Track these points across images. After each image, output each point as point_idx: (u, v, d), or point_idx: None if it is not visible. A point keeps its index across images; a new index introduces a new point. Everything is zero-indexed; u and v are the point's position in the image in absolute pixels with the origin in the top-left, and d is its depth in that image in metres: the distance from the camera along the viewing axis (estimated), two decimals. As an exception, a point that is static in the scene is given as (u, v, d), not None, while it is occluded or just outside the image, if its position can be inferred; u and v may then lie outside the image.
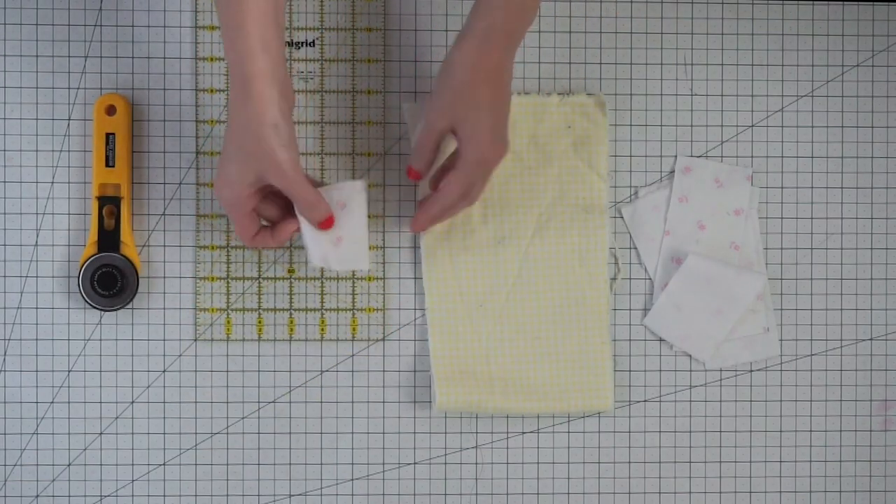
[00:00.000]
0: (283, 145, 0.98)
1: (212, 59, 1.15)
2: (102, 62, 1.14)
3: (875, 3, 1.18)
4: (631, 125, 1.17)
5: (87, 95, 1.14)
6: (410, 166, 1.07)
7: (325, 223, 1.04)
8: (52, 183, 1.14)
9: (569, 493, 1.17)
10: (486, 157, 1.04)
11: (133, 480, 1.15)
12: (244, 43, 0.96)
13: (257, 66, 0.96)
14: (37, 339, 1.14)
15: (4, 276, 1.14)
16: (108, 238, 1.12)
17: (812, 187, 1.18)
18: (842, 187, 1.18)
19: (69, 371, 1.14)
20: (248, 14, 0.96)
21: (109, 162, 1.12)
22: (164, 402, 1.15)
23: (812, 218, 1.18)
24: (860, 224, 1.18)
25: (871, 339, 1.18)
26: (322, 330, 1.16)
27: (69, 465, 1.14)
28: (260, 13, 0.96)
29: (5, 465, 1.14)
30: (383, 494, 1.16)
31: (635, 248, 1.17)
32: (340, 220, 1.05)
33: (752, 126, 1.18)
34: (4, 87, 1.14)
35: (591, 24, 1.17)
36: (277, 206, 1.06)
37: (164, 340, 1.15)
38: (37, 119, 1.14)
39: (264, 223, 1.07)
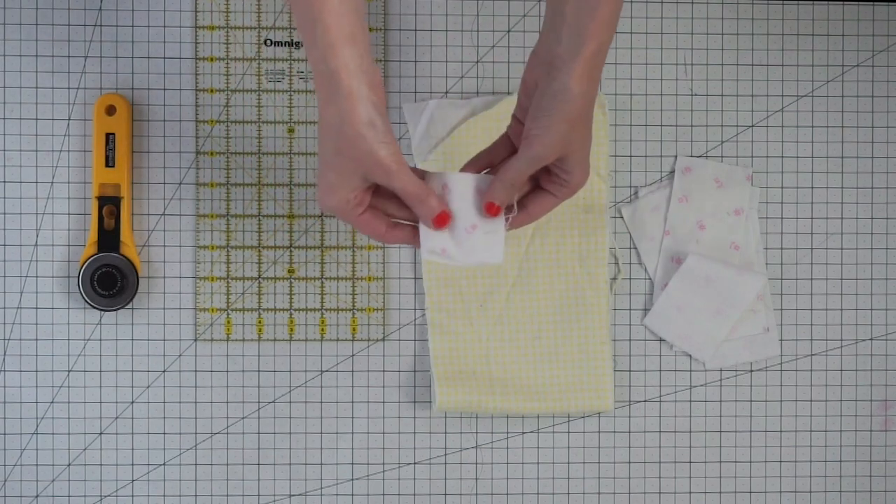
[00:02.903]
0: (381, 142, 0.90)
1: (212, 59, 1.15)
2: (102, 62, 1.14)
3: (875, 3, 1.18)
4: (631, 125, 1.17)
5: (87, 95, 1.14)
6: (493, 203, 0.96)
7: (438, 220, 0.95)
8: (52, 183, 1.14)
9: (569, 493, 1.17)
10: (581, 185, 0.98)
11: (133, 480, 1.15)
12: (324, 37, 0.89)
13: (341, 61, 0.89)
14: (37, 339, 1.14)
15: (4, 276, 1.14)
16: (108, 238, 1.12)
17: (812, 187, 1.18)
18: (842, 187, 1.18)
19: (69, 371, 1.14)
20: (325, 5, 0.89)
21: (109, 162, 1.12)
22: (164, 402, 1.15)
23: (812, 218, 1.18)
24: (860, 224, 1.18)
25: (871, 339, 1.18)
26: (322, 330, 1.16)
27: (69, 465, 1.14)
28: (338, 2, 0.89)
29: (5, 465, 1.14)
30: (383, 494, 1.16)
31: (635, 248, 1.17)
32: (476, 207, 0.96)
33: (752, 126, 1.18)
34: (4, 87, 1.14)
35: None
36: (397, 202, 0.97)
37: (164, 340, 1.15)
38: (37, 119, 1.14)
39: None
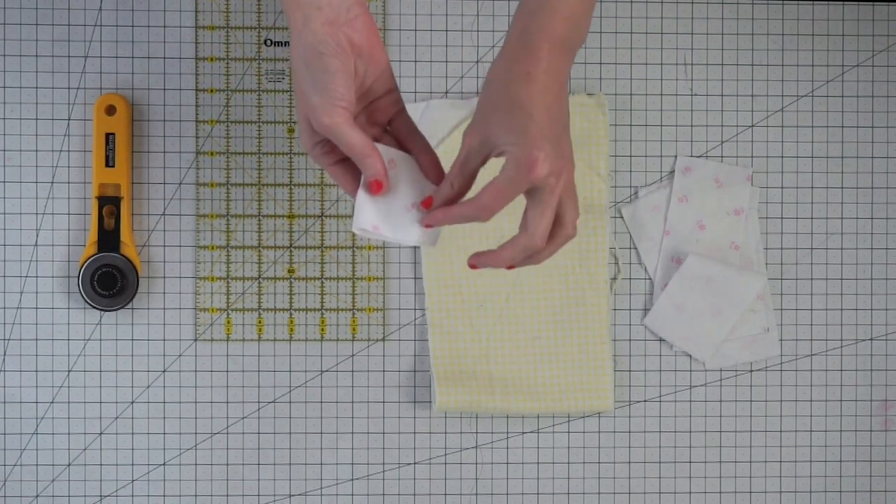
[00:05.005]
0: (319, 91, 0.86)
1: (212, 59, 1.15)
2: (102, 62, 1.14)
3: (875, 3, 1.18)
4: (631, 125, 1.17)
5: (87, 95, 1.14)
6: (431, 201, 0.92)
7: (373, 185, 0.91)
8: (52, 183, 1.14)
9: (569, 493, 1.17)
10: (531, 163, 0.87)
11: (133, 480, 1.15)
12: None
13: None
14: (37, 339, 1.14)
15: (4, 276, 1.14)
16: (108, 238, 1.12)
17: (812, 187, 1.18)
18: (842, 187, 1.18)
19: (69, 371, 1.14)
20: None
21: (109, 162, 1.12)
22: (164, 402, 1.15)
23: (812, 218, 1.18)
24: (860, 224, 1.18)
25: (871, 339, 1.18)
26: (322, 330, 1.16)
27: (69, 465, 1.15)
28: None
29: (5, 465, 1.14)
30: (383, 494, 1.16)
31: (635, 248, 1.17)
32: (419, 188, 0.94)
33: (752, 126, 1.18)
34: (4, 87, 1.14)
35: (591, 24, 1.17)
36: (347, 171, 0.94)
37: (164, 340, 1.15)
38: (37, 119, 1.14)
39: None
